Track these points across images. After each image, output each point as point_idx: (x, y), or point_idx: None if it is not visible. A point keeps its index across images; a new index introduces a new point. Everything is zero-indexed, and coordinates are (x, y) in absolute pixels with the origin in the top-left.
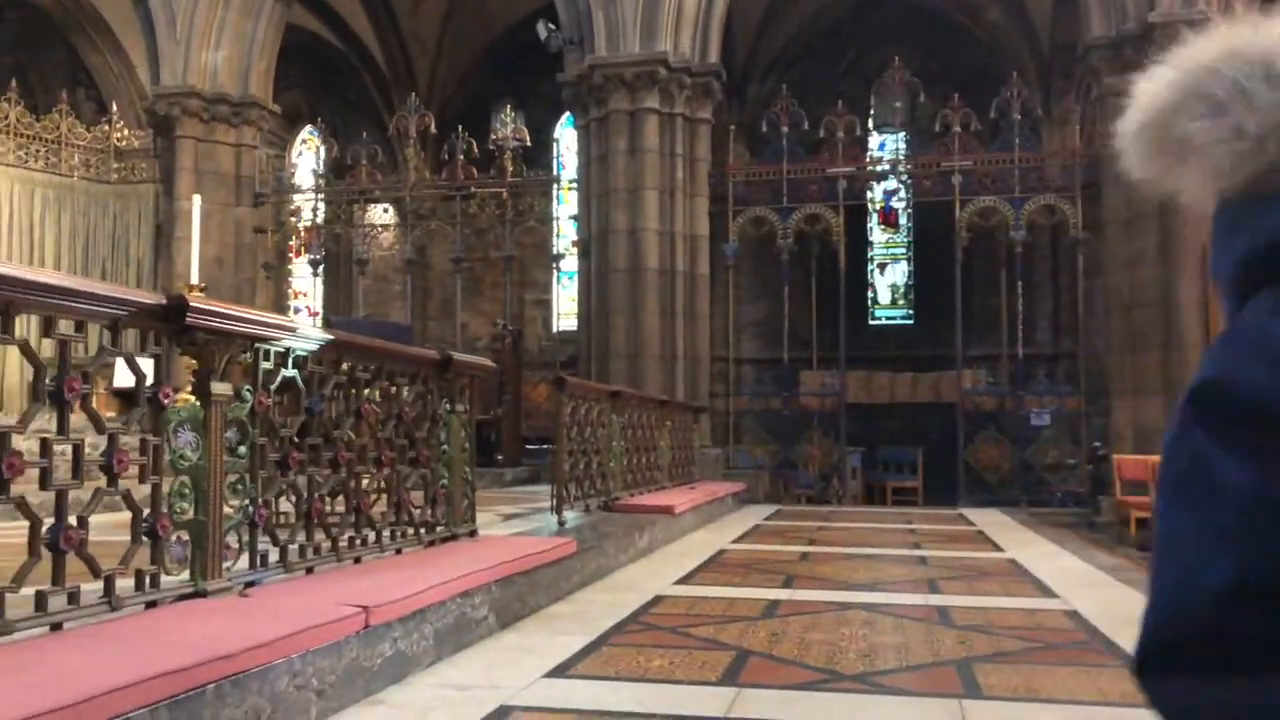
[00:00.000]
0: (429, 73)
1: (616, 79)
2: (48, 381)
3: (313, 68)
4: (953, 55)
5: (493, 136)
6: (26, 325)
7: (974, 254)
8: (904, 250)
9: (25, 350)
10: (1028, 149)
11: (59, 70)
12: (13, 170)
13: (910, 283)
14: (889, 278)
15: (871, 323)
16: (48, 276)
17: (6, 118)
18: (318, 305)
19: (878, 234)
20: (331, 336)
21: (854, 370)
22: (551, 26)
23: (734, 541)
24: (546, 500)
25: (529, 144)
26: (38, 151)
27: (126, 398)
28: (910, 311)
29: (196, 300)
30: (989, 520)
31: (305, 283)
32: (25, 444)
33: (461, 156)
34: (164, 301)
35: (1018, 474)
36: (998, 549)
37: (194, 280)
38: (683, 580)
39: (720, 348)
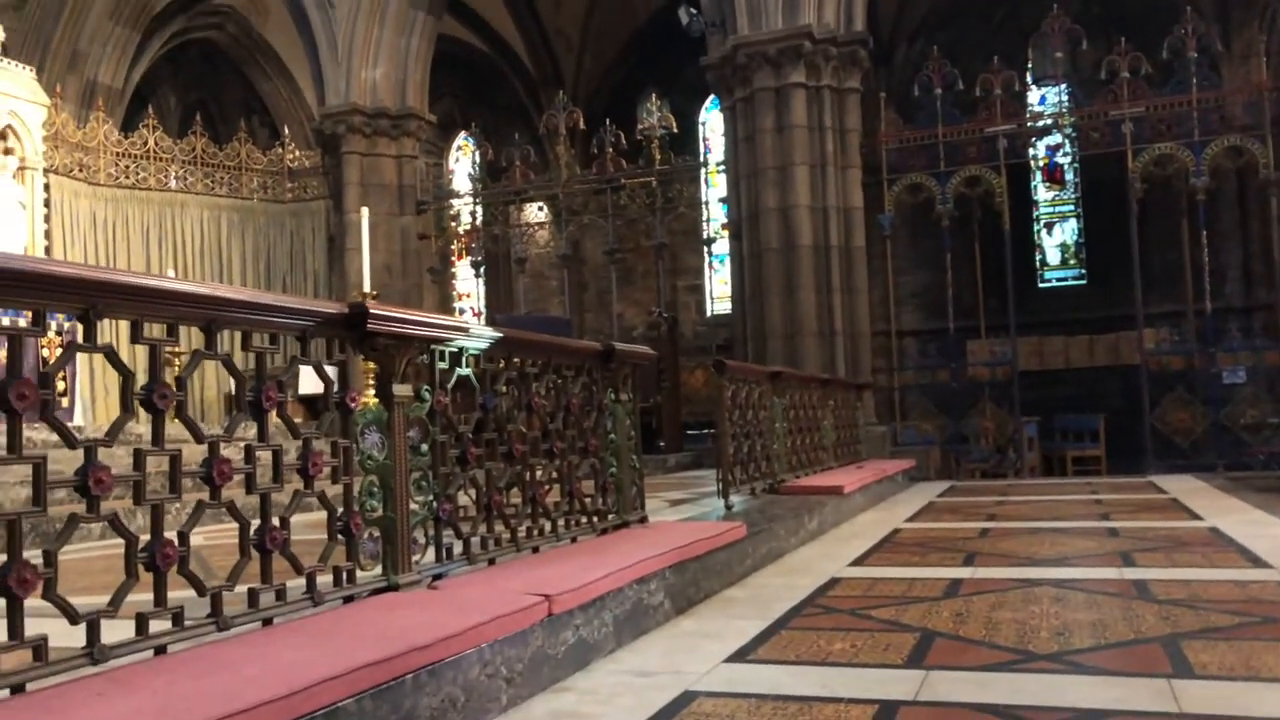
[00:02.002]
0: (574, 68)
1: (760, 56)
2: (248, 392)
3: (464, 75)
4: None
5: (639, 127)
6: (224, 341)
7: (1149, 206)
8: (1072, 207)
9: (228, 364)
10: (1206, 88)
11: (236, 101)
12: (202, 197)
13: (1080, 241)
14: (1057, 237)
15: (1041, 285)
16: (245, 294)
17: (194, 150)
18: (480, 304)
19: (1043, 192)
20: (501, 335)
21: (1024, 336)
22: (693, 11)
23: (907, 520)
24: (711, 485)
25: (675, 131)
26: (221, 179)
27: (309, 404)
28: (1082, 271)
29: (376, 307)
30: (1183, 487)
31: (468, 283)
32: (228, 451)
33: (610, 149)
34: (346, 310)
35: (1212, 437)
36: (1196, 517)
37: (366, 288)
38: (858, 561)
39: (881, 321)
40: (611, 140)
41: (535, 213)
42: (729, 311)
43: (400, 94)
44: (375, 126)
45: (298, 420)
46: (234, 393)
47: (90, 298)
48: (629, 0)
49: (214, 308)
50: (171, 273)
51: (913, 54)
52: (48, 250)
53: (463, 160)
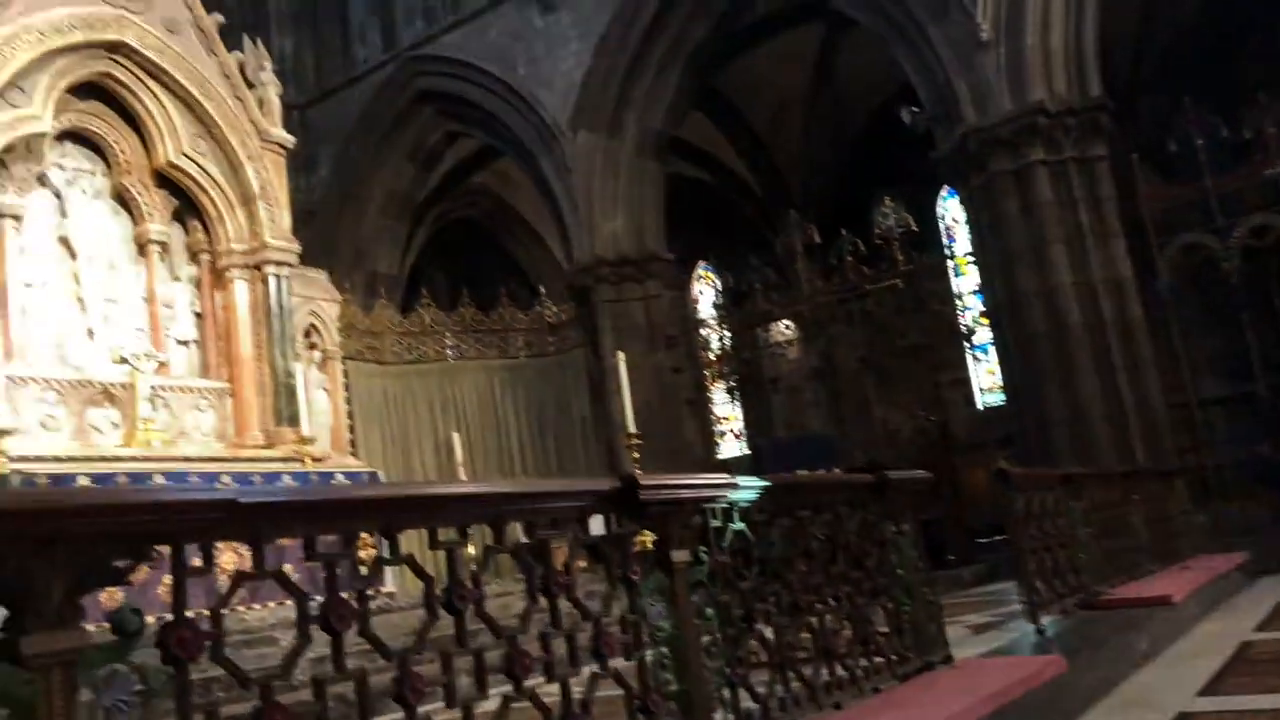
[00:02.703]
0: (800, 182)
1: (993, 141)
2: (537, 580)
3: (696, 208)
4: None
5: (876, 230)
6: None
7: None
8: None
9: (516, 555)
10: None
11: (494, 267)
12: (475, 362)
13: None
14: None
15: None
16: (524, 486)
17: (464, 320)
18: (740, 426)
19: None
20: (769, 483)
21: None
22: (914, 109)
23: (1257, 629)
24: (1012, 602)
25: (914, 229)
26: (491, 342)
27: (591, 549)
28: None
29: (646, 478)
30: None
31: (725, 407)
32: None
33: (850, 258)
34: (618, 485)
35: None
36: None
37: (630, 429)
38: (1208, 689)
39: (1176, 394)
40: (849, 249)
41: (782, 330)
42: (1000, 402)
43: (639, 239)
44: (620, 273)
45: (582, 564)
46: (525, 580)
47: (388, 515)
48: (843, 108)
49: (498, 504)
50: (455, 435)
51: (1160, 104)
52: (351, 429)
53: (705, 288)
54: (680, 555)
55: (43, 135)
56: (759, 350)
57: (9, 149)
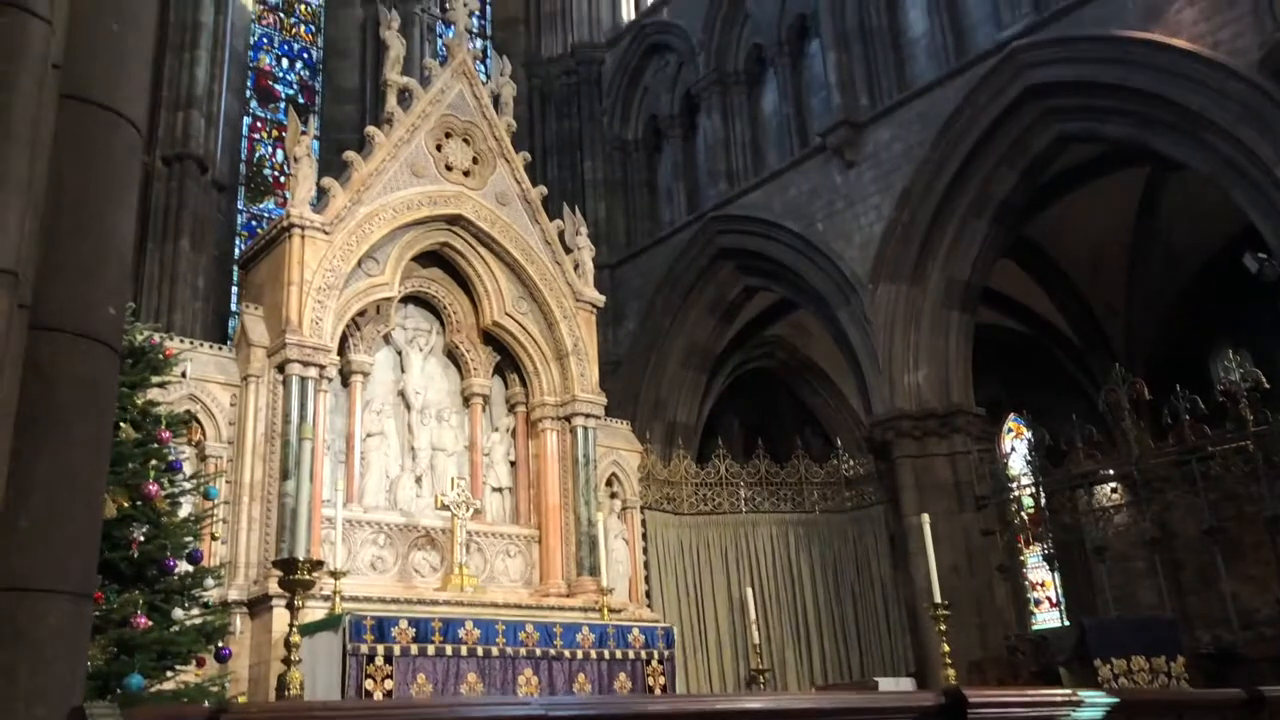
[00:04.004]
0: (1123, 333)
1: None
2: None
3: (1005, 357)
4: None
5: (1219, 386)
6: None
7: None
8: None
9: None
10: None
11: (788, 415)
12: (770, 515)
13: None
14: None
15: None
16: (839, 701)
17: (759, 472)
18: (1058, 594)
19: None
20: (1116, 699)
21: None
22: (1262, 256)
23: None
24: None
25: (1265, 384)
26: (785, 495)
27: None
28: None
29: (974, 694)
30: None
31: (1040, 572)
32: None
33: (1187, 416)
34: (943, 701)
35: None
36: None
37: (936, 597)
38: None
39: None
40: (1186, 406)
41: (1108, 493)
42: None
43: (944, 392)
44: (923, 428)
45: None
46: None
47: None
48: (1173, 256)
49: None
50: (749, 591)
51: None
52: (646, 578)
53: (1015, 442)
54: None
55: (390, 299)
56: (1080, 513)
57: (362, 313)
